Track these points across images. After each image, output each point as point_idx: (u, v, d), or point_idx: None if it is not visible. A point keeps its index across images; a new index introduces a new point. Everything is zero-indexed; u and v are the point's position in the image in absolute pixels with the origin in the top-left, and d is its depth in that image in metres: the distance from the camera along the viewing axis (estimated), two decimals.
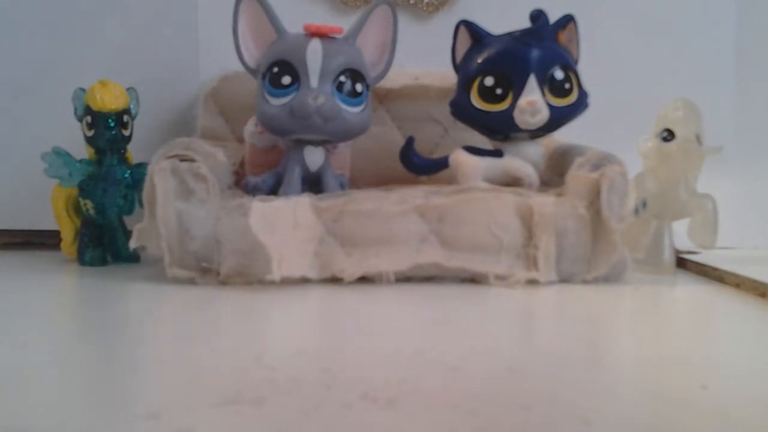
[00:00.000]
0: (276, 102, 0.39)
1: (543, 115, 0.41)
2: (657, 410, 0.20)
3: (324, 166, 0.41)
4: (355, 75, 0.40)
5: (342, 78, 0.39)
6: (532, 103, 0.40)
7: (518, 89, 0.41)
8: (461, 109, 0.43)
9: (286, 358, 0.24)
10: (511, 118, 0.41)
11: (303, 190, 0.40)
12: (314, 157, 0.41)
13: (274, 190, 0.41)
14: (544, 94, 0.41)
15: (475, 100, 0.42)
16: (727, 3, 0.55)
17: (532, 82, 0.40)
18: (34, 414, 0.19)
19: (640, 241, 0.45)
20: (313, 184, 0.41)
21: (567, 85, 0.41)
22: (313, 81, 0.38)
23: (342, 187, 0.43)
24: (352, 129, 0.40)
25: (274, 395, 0.20)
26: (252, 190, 0.41)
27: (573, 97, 0.41)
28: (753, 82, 0.55)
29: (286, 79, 0.39)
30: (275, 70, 0.39)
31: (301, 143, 0.41)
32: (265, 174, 0.42)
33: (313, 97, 0.38)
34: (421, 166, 0.46)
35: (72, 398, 0.20)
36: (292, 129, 0.39)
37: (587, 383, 0.22)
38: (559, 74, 0.41)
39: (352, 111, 0.40)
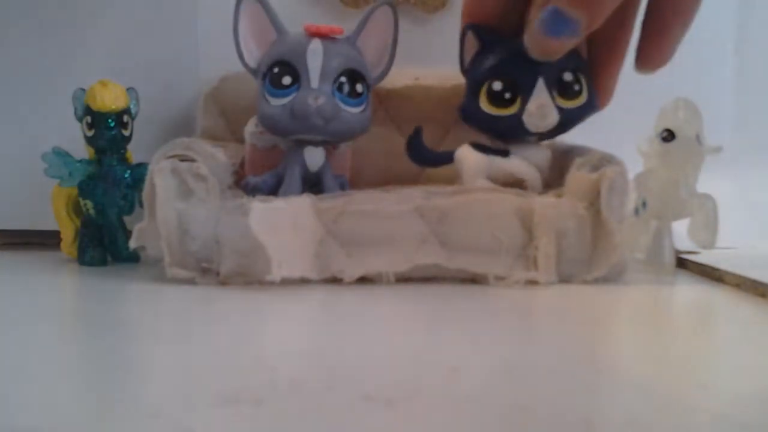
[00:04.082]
0: (276, 102, 0.39)
1: (552, 118, 0.40)
2: (657, 410, 0.20)
3: (324, 167, 0.41)
4: (356, 75, 0.40)
5: (342, 78, 0.39)
6: (542, 106, 0.40)
7: (527, 93, 0.40)
8: (470, 114, 0.43)
9: (286, 358, 0.24)
10: (521, 121, 0.41)
11: (303, 191, 0.40)
12: (315, 158, 0.41)
13: (274, 191, 0.41)
14: (553, 97, 0.40)
15: (484, 105, 0.42)
16: (728, 3, 0.55)
17: (540, 85, 0.40)
18: (34, 413, 0.19)
19: (640, 241, 0.45)
20: (313, 184, 0.41)
21: (576, 87, 0.41)
22: (314, 81, 0.38)
23: (342, 187, 0.42)
24: (352, 129, 0.40)
25: (274, 395, 0.20)
26: (252, 191, 0.41)
27: (583, 98, 0.41)
28: (753, 82, 0.55)
29: (287, 80, 0.39)
30: (275, 70, 0.39)
31: (302, 143, 0.41)
32: (265, 174, 0.42)
33: (314, 97, 0.38)
34: (426, 157, 0.46)
35: (71, 398, 0.20)
36: (293, 129, 0.39)
37: (587, 383, 0.22)
38: (568, 76, 0.40)
39: (353, 111, 0.40)
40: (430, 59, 0.47)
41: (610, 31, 0.38)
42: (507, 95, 0.41)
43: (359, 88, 0.40)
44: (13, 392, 0.20)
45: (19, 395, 0.20)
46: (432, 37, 0.52)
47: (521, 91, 0.41)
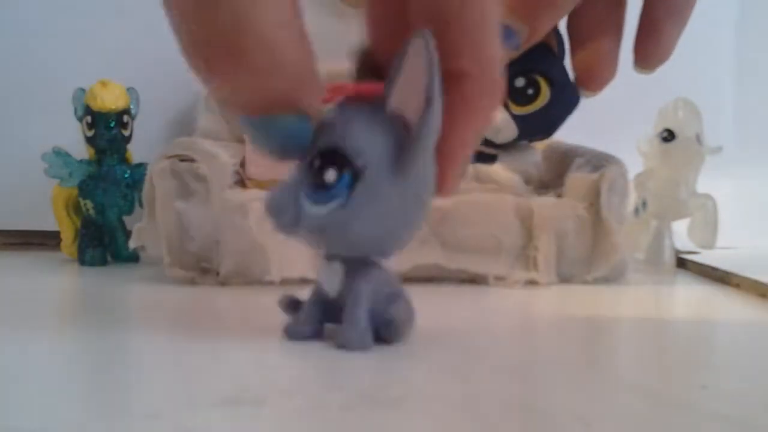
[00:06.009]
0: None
1: (507, 131, 0.38)
2: (657, 410, 0.20)
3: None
4: (335, 157, 0.24)
5: (316, 162, 0.24)
6: (492, 123, 0.39)
7: None
8: None
9: (286, 358, 0.24)
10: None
11: None
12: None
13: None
14: (507, 107, 0.38)
15: None
16: (728, 3, 0.55)
17: None
18: (33, 414, 0.19)
19: (640, 241, 0.45)
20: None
21: (530, 91, 0.38)
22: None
23: None
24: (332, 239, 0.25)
25: (274, 395, 0.20)
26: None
27: (543, 100, 0.38)
28: (753, 82, 0.55)
29: None
30: None
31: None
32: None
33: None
34: None
35: (71, 398, 0.20)
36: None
37: (587, 383, 0.22)
38: (519, 82, 0.37)
39: (316, 212, 0.23)
40: None
41: (595, 11, 0.37)
42: None
43: (329, 175, 0.23)
44: (13, 393, 0.20)
45: (19, 396, 0.20)
46: None
47: None
